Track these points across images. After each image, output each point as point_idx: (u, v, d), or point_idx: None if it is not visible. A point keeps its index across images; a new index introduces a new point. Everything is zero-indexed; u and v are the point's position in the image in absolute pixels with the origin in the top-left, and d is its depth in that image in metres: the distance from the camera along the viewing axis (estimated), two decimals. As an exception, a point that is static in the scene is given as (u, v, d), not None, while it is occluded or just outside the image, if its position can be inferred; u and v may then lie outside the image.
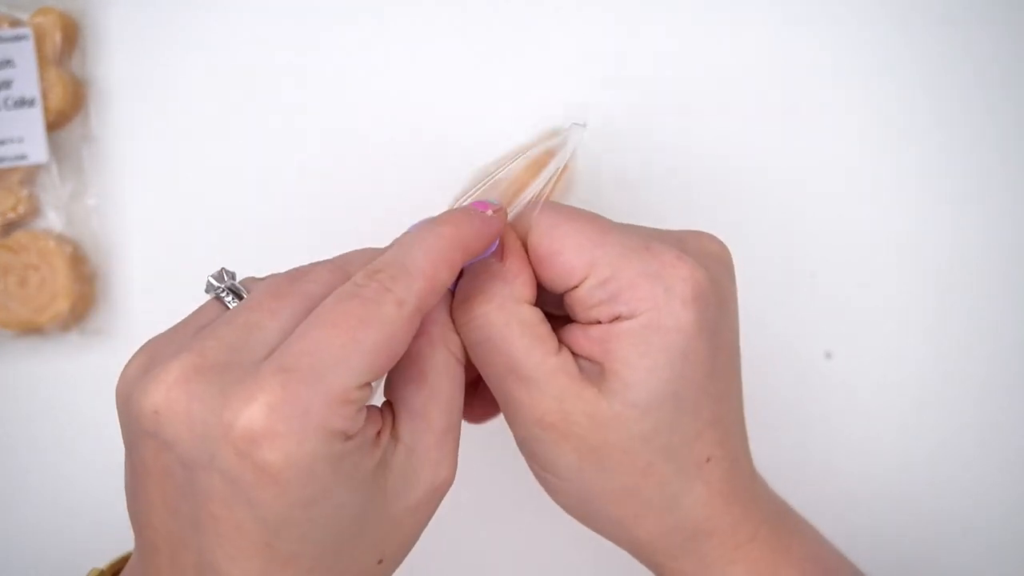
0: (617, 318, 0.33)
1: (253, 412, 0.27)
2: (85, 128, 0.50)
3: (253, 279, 0.33)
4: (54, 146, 0.50)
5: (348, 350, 0.28)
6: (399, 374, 0.32)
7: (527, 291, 0.34)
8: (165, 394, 0.28)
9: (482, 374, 0.35)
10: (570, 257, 0.33)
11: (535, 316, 0.34)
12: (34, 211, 0.50)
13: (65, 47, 0.49)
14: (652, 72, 0.51)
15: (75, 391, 0.50)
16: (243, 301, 0.31)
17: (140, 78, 0.51)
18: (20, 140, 0.49)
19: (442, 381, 0.32)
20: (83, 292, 0.50)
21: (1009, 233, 0.51)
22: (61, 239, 0.50)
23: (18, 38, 0.48)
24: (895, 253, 0.51)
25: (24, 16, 0.49)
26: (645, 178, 0.50)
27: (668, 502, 0.34)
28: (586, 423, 0.33)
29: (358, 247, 0.34)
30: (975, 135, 0.51)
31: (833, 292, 0.51)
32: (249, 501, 0.28)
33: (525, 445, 0.35)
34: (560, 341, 0.34)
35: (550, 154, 0.36)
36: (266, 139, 0.51)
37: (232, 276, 0.32)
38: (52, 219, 0.50)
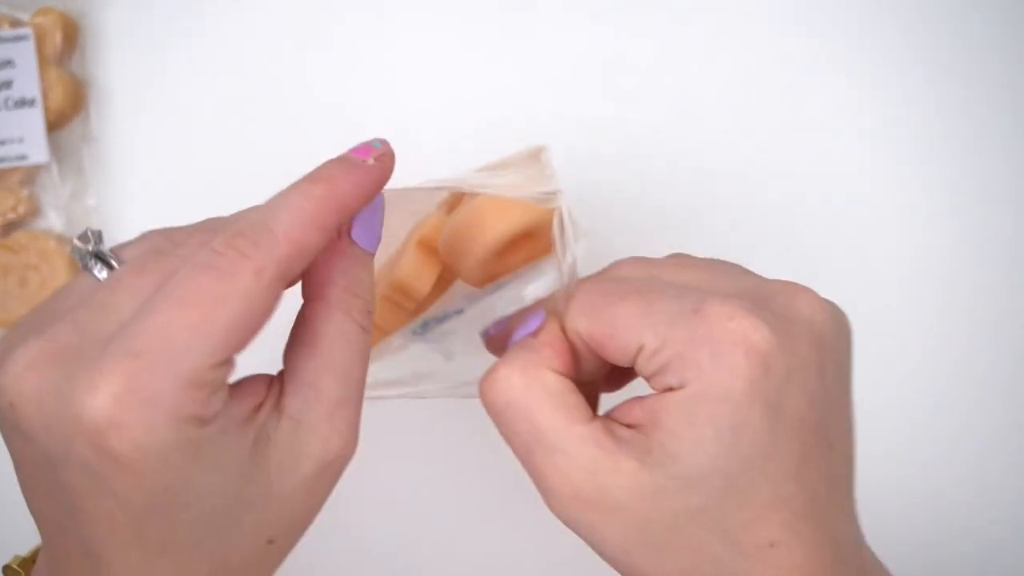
0: (669, 389, 0.30)
1: (98, 402, 0.26)
2: (85, 128, 0.50)
3: (127, 244, 0.31)
4: (54, 146, 0.50)
5: (200, 331, 0.26)
6: (292, 341, 0.31)
7: (555, 361, 0.32)
8: (17, 386, 0.27)
9: (512, 450, 0.33)
10: (622, 337, 0.32)
11: (561, 384, 0.32)
12: (34, 211, 0.50)
13: (65, 47, 0.49)
14: (650, 74, 0.51)
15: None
16: (106, 280, 0.29)
17: (140, 78, 0.51)
18: (20, 140, 0.49)
19: (337, 349, 0.30)
20: (83, 292, 0.50)
21: (1011, 233, 0.51)
22: (61, 239, 0.49)
23: (18, 38, 0.48)
24: (895, 254, 0.51)
25: (24, 16, 0.49)
26: (645, 180, 0.50)
27: None
28: (626, 498, 0.30)
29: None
30: (976, 136, 0.51)
31: (833, 293, 0.51)
32: (111, 491, 0.27)
33: (569, 526, 0.32)
34: (612, 414, 0.32)
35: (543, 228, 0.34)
36: (266, 138, 0.51)
37: (99, 237, 0.30)
38: (52, 219, 0.50)
